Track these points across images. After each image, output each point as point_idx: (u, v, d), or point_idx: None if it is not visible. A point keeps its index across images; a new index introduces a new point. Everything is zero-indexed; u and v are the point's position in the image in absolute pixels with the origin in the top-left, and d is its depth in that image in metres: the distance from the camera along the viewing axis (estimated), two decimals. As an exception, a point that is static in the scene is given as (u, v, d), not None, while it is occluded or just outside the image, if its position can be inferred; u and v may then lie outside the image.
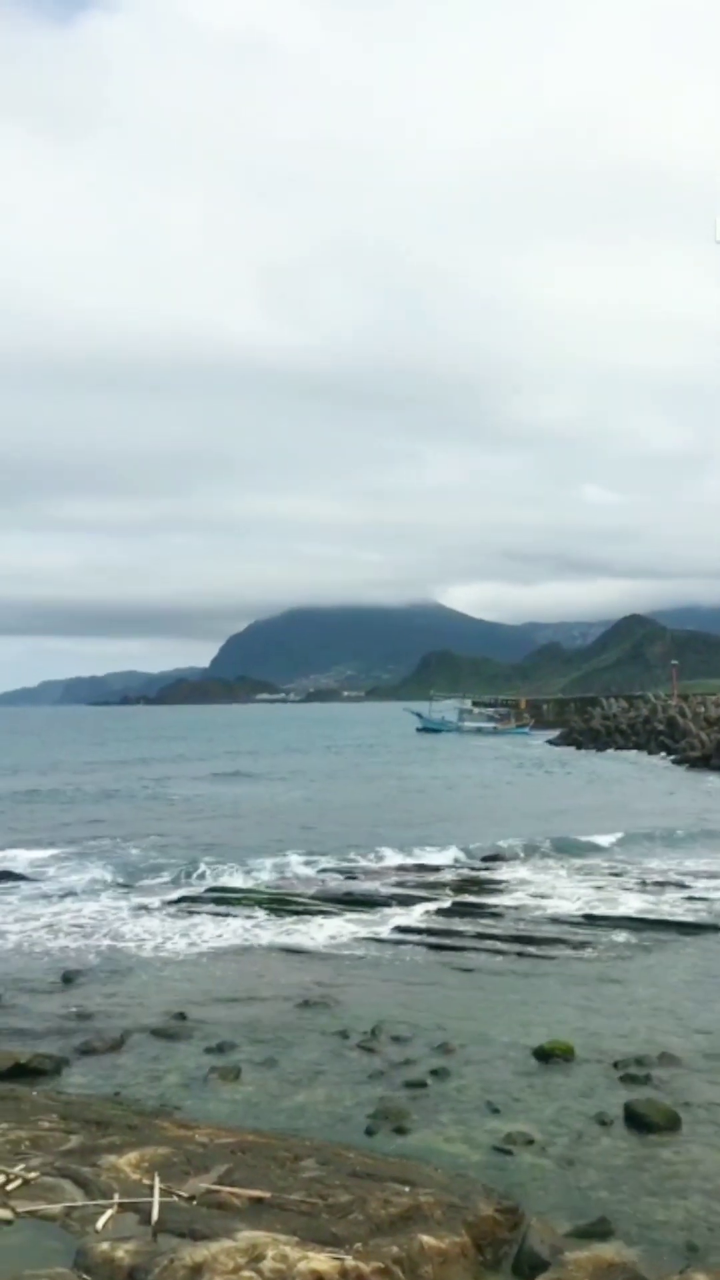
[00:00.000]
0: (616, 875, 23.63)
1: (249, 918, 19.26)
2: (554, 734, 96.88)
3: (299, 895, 21.33)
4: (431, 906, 20.12)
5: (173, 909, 20.26)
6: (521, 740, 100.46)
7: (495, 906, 20.08)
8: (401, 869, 24.93)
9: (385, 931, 18.08)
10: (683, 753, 65.38)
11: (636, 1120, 9.47)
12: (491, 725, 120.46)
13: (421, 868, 25.03)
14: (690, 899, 20.60)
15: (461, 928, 18.28)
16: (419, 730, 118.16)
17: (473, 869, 24.89)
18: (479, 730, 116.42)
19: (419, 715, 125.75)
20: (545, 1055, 11.33)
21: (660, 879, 22.95)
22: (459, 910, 19.76)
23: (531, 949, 16.62)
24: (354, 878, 23.78)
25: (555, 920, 18.81)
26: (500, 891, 21.81)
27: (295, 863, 25.39)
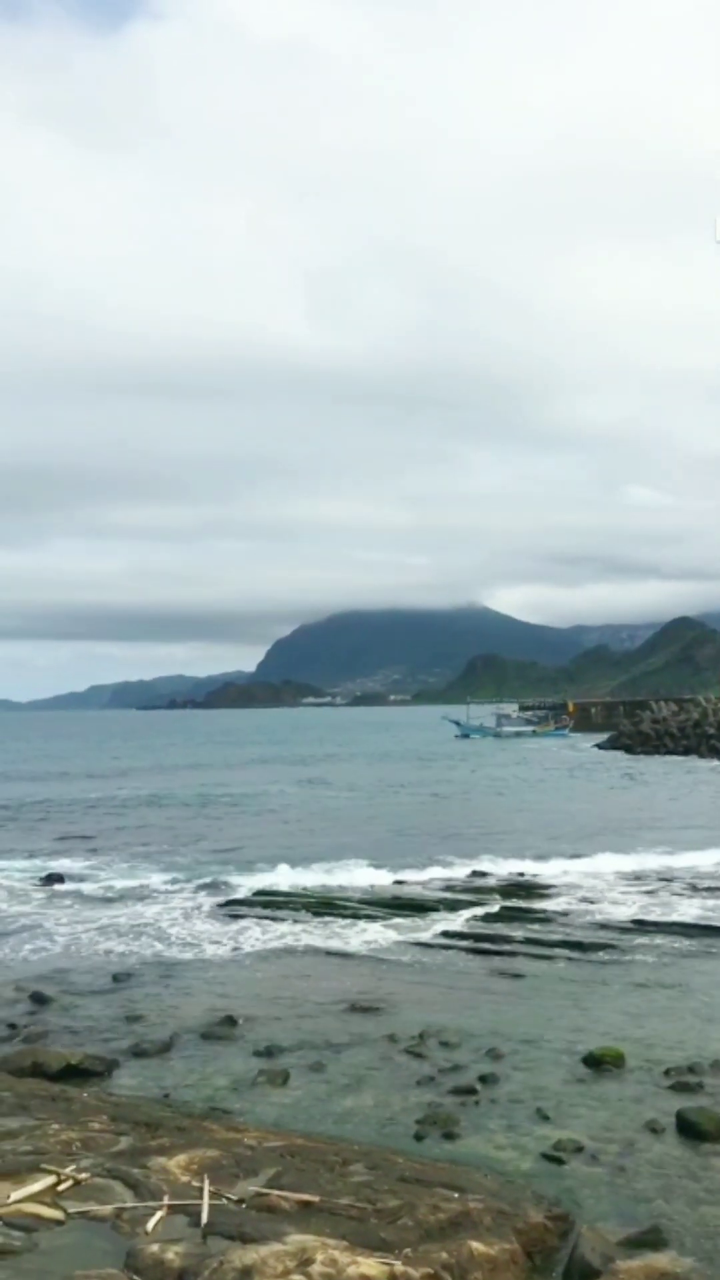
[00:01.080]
0: (668, 881, 23.36)
1: (296, 921, 19.31)
2: (602, 738, 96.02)
3: (346, 899, 21.33)
4: (479, 911, 20.02)
5: (221, 912, 20.37)
6: (565, 743, 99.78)
7: (544, 911, 19.92)
8: (449, 874, 24.83)
9: (432, 936, 18.02)
10: (734, 757, 64.49)
11: (689, 1128, 9.34)
12: (530, 729, 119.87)
13: (470, 873, 24.91)
14: (743, 905, 20.29)
15: (509, 933, 18.16)
16: (457, 737, 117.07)
17: (521, 874, 24.73)
18: (518, 734, 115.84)
19: (457, 723, 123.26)
20: (595, 1062, 11.23)
21: (714, 884, 22.65)
22: (506, 915, 19.64)
23: (581, 955, 16.48)
24: (401, 882, 23.74)
25: (605, 926, 18.63)
26: (549, 896, 21.65)
27: (342, 867, 25.43)
